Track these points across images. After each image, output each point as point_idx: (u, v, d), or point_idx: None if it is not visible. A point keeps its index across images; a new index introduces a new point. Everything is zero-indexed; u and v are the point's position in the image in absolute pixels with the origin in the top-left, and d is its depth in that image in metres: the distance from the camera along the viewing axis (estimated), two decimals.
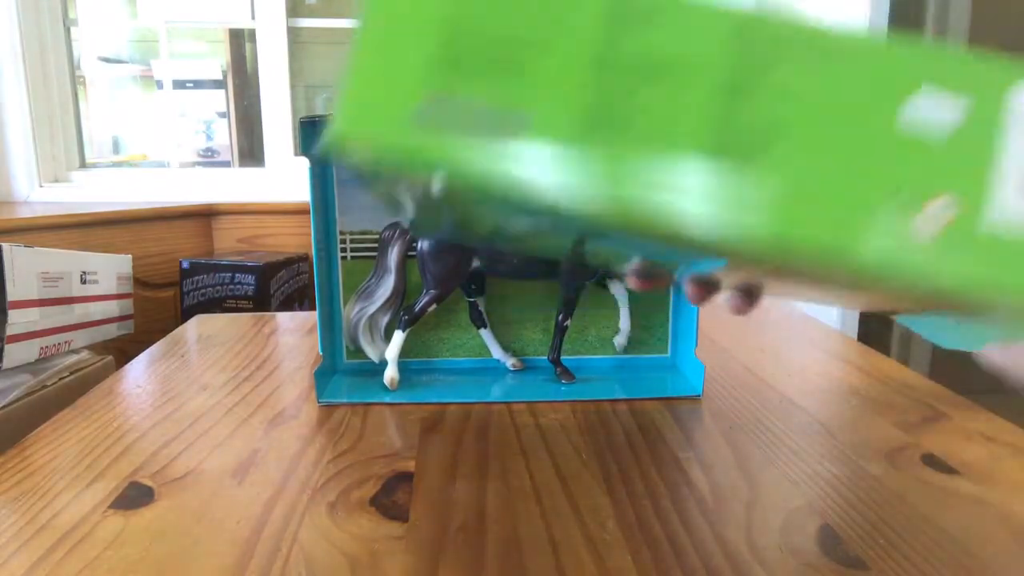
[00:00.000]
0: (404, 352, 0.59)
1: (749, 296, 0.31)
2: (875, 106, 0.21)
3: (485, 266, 0.56)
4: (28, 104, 1.67)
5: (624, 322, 0.60)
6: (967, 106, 0.21)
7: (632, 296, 0.59)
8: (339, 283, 0.58)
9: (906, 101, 0.21)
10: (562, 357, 0.59)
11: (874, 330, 1.74)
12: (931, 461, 0.43)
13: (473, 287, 0.58)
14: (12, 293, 0.69)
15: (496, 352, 0.60)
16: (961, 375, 0.83)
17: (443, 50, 0.20)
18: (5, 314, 0.68)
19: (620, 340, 0.60)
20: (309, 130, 0.54)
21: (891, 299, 0.27)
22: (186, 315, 1.48)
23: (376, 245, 0.57)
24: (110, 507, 0.38)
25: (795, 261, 0.22)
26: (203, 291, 1.48)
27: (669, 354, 0.61)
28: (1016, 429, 0.49)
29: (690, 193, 0.21)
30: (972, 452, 0.45)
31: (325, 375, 0.56)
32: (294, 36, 1.85)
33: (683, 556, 0.33)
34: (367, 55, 0.20)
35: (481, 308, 0.59)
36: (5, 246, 0.69)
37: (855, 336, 1.54)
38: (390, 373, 0.55)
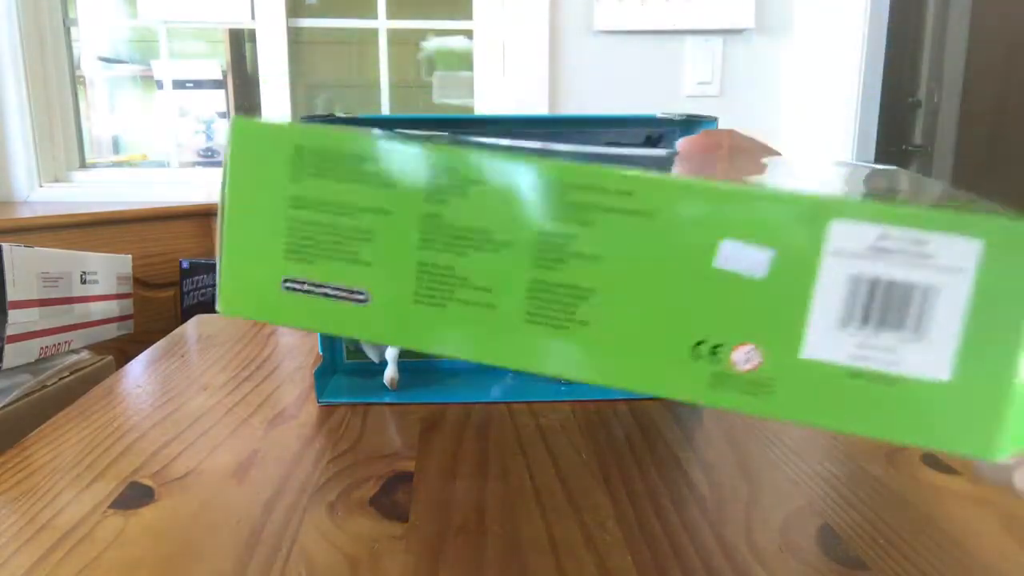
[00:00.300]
0: (404, 352, 0.59)
1: None
2: (684, 256, 0.22)
3: None
4: (28, 104, 1.67)
5: None
6: (781, 245, 0.21)
7: None
8: None
9: (718, 247, 0.21)
10: None
11: None
12: (931, 461, 0.43)
13: None
14: (12, 293, 0.69)
15: None
16: None
17: (291, 243, 0.25)
18: (5, 314, 0.68)
19: None
20: None
21: None
22: (186, 315, 1.48)
23: None
24: (110, 507, 0.38)
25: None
26: (203, 291, 1.48)
27: None
28: None
29: (508, 354, 0.24)
30: (998, 476, 0.45)
31: (325, 375, 0.56)
32: (294, 36, 1.85)
33: (683, 556, 0.33)
34: (235, 246, 0.25)
35: None
36: (5, 246, 0.69)
37: None
38: (390, 373, 0.55)
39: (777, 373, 0.22)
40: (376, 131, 0.27)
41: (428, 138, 0.25)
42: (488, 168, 0.23)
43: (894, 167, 0.38)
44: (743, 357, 0.22)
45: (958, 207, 0.21)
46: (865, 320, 0.21)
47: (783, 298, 0.21)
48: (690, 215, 0.21)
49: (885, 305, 0.20)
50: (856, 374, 0.21)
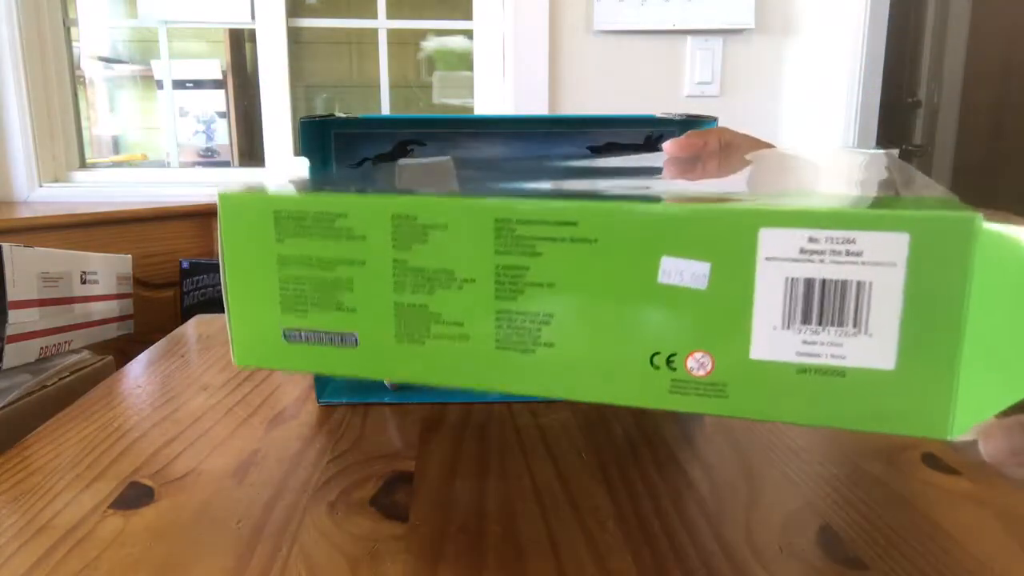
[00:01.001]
0: None
1: None
2: (630, 275, 0.23)
3: None
4: (28, 104, 1.67)
5: None
6: (718, 257, 0.22)
7: None
8: None
9: (659, 263, 0.23)
10: None
11: None
12: (931, 461, 0.43)
13: None
14: (12, 293, 0.69)
15: None
16: None
17: (285, 297, 0.27)
18: (5, 314, 0.68)
19: None
20: (309, 130, 0.54)
21: None
22: (186, 315, 1.48)
23: None
24: (110, 507, 0.38)
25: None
26: (203, 291, 1.48)
27: None
28: None
29: (485, 379, 0.26)
30: (972, 452, 0.45)
31: (325, 375, 0.56)
32: (294, 36, 1.85)
33: (683, 556, 0.33)
34: (238, 305, 0.28)
35: None
36: (5, 246, 0.69)
37: None
38: None
39: (730, 375, 0.23)
40: (344, 186, 0.29)
41: (392, 186, 0.27)
42: (439, 213, 0.25)
43: (884, 150, 0.39)
44: (696, 364, 0.23)
45: (882, 203, 0.21)
46: (806, 319, 0.21)
47: (726, 305, 0.22)
48: (630, 238, 0.23)
49: (823, 303, 0.21)
50: (804, 369, 0.22)
